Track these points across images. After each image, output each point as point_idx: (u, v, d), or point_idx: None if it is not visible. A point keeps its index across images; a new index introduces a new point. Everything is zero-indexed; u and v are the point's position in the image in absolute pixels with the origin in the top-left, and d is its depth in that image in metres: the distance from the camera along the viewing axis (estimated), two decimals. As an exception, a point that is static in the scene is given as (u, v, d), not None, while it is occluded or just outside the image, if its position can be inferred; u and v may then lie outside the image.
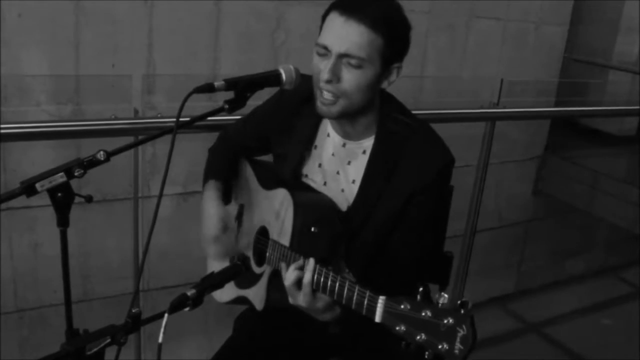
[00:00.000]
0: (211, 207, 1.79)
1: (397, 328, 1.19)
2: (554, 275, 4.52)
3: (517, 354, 3.54)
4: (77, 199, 1.29)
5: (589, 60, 4.62)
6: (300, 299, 1.43)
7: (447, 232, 1.86)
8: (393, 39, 1.48)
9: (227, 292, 1.74)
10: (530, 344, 3.73)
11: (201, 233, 1.82)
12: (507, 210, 4.14)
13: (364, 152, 1.63)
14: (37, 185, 1.22)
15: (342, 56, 1.46)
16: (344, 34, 1.45)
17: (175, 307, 1.25)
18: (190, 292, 1.28)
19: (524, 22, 3.79)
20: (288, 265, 1.47)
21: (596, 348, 3.66)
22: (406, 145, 1.58)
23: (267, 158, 1.92)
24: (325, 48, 1.47)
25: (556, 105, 4.05)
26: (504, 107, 2.89)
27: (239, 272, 1.41)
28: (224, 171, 1.88)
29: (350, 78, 1.47)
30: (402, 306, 1.19)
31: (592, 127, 5.00)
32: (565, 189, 4.25)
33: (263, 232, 1.69)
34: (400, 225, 1.60)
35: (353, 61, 1.45)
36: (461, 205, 2.95)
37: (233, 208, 1.87)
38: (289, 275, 1.43)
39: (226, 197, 1.89)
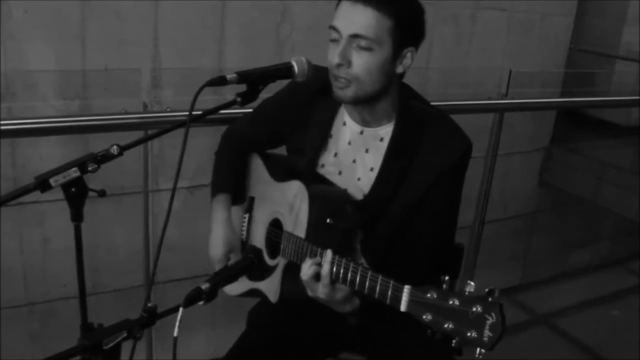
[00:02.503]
0: (218, 227, 1.83)
1: (424, 317, 1.19)
2: (561, 266, 4.52)
3: (525, 346, 3.54)
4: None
5: (595, 50, 4.60)
6: (319, 291, 1.43)
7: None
8: (403, 20, 1.48)
9: (238, 285, 1.74)
10: (539, 336, 3.73)
11: (209, 250, 1.87)
12: (513, 201, 4.13)
13: (382, 139, 1.63)
14: (51, 181, 1.22)
15: (352, 38, 1.46)
16: (352, 16, 1.46)
17: (190, 300, 1.25)
18: (204, 286, 1.27)
19: (529, 12, 3.77)
20: (305, 258, 1.47)
21: (605, 339, 3.66)
22: (425, 133, 1.58)
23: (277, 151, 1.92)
24: (336, 30, 1.49)
25: (562, 96, 4.03)
26: (512, 98, 2.88)
27: (253, 265, 1.41)
28: (231, 180, 1.89)
29: (361, 61, 1.48)
30: (429, 295, 1.19)
31: (599, 117, 4.98)
32: (571, 180, 4.23)
33: (276, 224, 1.69)
34: (419, 214, 1.60)
35: (363, 42, 1.46)
36: (469, 196, 2.95)
37: (243, 216, 1.88)
38: (307, 270, 1.43)
39: (238, 199, 1.89)
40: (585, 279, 4.48)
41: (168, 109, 2.14)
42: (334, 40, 1.50)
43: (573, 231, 4.56)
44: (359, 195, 1.64)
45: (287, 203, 1.63)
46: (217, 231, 1.84)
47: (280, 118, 1.78)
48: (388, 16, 1.45)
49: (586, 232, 4.69)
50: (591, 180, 4.14)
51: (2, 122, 1.85)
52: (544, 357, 3.47)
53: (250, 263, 1.42)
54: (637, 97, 3.77)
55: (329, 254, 1.41)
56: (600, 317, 3.97)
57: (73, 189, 1.25)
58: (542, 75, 3.98)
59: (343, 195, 1.62)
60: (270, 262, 1.68)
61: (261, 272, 1.69)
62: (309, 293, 1.47)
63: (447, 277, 1.19)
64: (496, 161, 3.06)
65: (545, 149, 4.21)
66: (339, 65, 1.49)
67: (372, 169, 1.64)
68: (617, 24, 4.75)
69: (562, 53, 4.06)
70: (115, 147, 1.28)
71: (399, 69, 1.55)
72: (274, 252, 1.69)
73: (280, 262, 1.62)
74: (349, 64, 1.48)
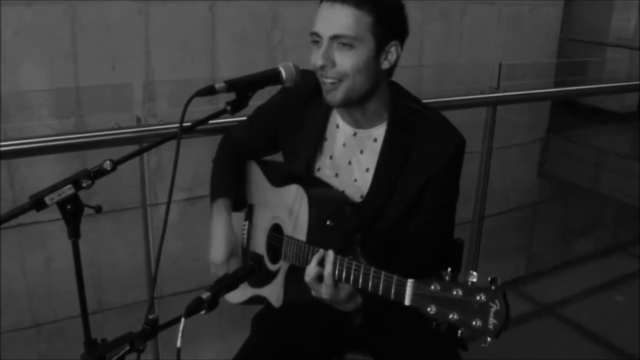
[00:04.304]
0: (219, 231, 1.78)
1: (428, 309, 1.19)
2: (565, 255, 4.52)
3: (532, 336, 3.55)
4: (86, 211, 1.30)
5: (585, 39, 4.61)
6: (322, 292, 1.44)
7: (455, 220, 1.86)
8: (382, 15, 1.48)
9: (240, 293, 1.75)
10: (545, 326, 3.73)
11: (209, 255, 1.82)
12: (513, 194, 4.13)
13: (376, 140, 1.64)
14: (46, 199, 1.22)
15: (332, 39, 1.47)
16: (331, 17, 1.47)
17: (191, 311, 1.25)
18: (205, 295, 1.28)
19: (518, 4, 3.78)
20: (308, 259, 1.47)
21: (611, 325, 3.65)
22: (418, 131, 1.59)
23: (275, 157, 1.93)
24: (317, 34, 1.50)
25: (555, 86, 4.03)
26: (504, 91, 2.88)
27: (253, 272, 1.41)
28: (231, 184, 1.87)
29: (344, 60, 1.49)
30: (432, 287, 1.20)
31: (593, 105, 4.99)
32: (570, 169, 4.24)
33: (276, 229, 1.70)
34: (417, 211, 1.60)
35: (344, 41, 1.47)
36: (468, 191, 2.95)
37: (243, 224, 1.87)
38: (310, 272, 1.44)
39: (238, 206, 1.89)
40: (589, 266, 4.47)
41: (162, 122, 2.15)
42: (315, 42, 1.51)
43: (575, 220, 4.57)
44: (356, 197, 1.65)
45: (286, 207, 1.64)
46: (219, 234, 1.79)
47: (274, 124, 1.79)
48: (367, 12, 1.46)
49: (587, 220, 4.69)
50: (589, 168, 4.14)
51: (-2, 144, 1.86)
52: (551, 346, 3.47)
53: (250, 270, 1.42)
54: (629, 83, 3.77)
55: (330, 254, 1.41)
56: (605, 303, 3.97)
57: (69, 207, 1.25)
58: (535, 67, 3.99)
59: (341, 197, 1.63)
60: (271, 267, 1.69)
61: (263, 278, 1.70)
62: (313, 293, 1.47)
63: (449, 269, 1.20)
64: (495, 154, 3.06)
65: (542, 139, 4.21)
66: (323, 67, 1.50)
67: (367, 170, 1.64)
68: (606, 11, 4.76)
69: (553, 43, 4.07)
70: (108, 162, 1.28)
71: (385, 65, 1.55)
72: (275, 257, 1.69)
73: (282, 266, 1.63)
74: (333, 64, 1.50)
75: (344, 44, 1.47)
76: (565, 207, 4.52)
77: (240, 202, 1.90)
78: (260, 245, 1.77)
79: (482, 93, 2.87)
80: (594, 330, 3.63)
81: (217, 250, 1.78)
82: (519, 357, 3.20)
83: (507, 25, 3.75)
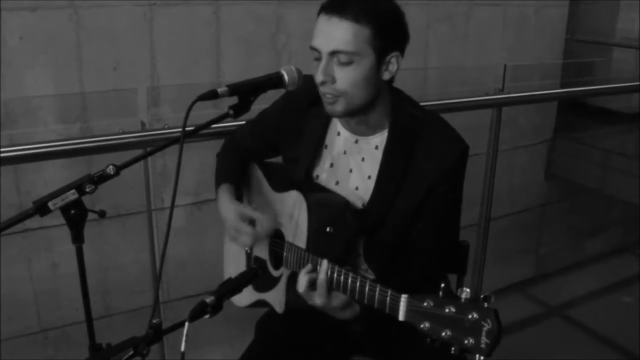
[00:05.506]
0: (226, 207, 1.75)
1: (422, 325, 1.20)
2: (573, 257, 4.50)
3: (540, 339, 3.53)
4: (90, 216, 1.30)
5: (591, 39, 4.59)
6: (315, 299, 1.44)
7: (462, 222, 1.85)
8: (381, 28, 1.46)
9: (245, 296, 1.75)
10: (554, 328, 3.71)
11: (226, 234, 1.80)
12: (521, 195, 4.12)
13: (377, 147, 1.62)
14: (50, 204, 1.23)
15: (332, 55, 1.46)
16: (329, 32, 1.45)
17: (195, 315, 1.25)
18: (209, 299, 1.27)
19: (523, 5, 3.77)
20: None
21: (619, 326, 3.63)
22: (420, 138, 1.58)
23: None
24: (316, 50, 1.49)
25: (562, 87, 4.01)
26: (509, 93, 2.87)
27: (256, 276, 1.41)
28: (234, 174, 1.87)
29: (344, 76, 1.47)
30: (425, 303, 1.19)
31: (601, 106, 4.97)
32: (578, 170, 4.23)
33: (278, 235, 1.69)
34: (420, 218, 1.59)
35: (343, 57, 1.45)
36: (474, 194, 2.94)
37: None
38: (301, 281, 1.44)
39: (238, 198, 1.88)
40: (597, 267, 4.44)
41: (166, 126, 2.15)
42: (316, 58, 1.50)
43: (582, 221, 4.55)
44: (358, 204, 1.63)
45: (287, 213, 1.64)
46: (225, 209, 1.74)
47: (275, 128, 1.79)
48: (365, 26, 1.44)
49: (595, 221, 4.67)
50: (597, 169, 4.13)
51: (3, 149, 1.87)
52: (559, 348, 3.46)
53: (254, 274, 1.42)
54: (636, 83, 3.74)
55: (324, 263, 1.42)
56: (613, 304, 3.94)
57: (72, 211, 1.26)
58: (540, 68, 3.98)
59: (342, 203, 1.61)
60: (274, 272, 1.69)
61: (267, 282, 1.70)
62: (307, 301, 1.47)
63: (443, 285, 1.20)
64: (502, 156, 3.05)
65: (549, 140, 4.20)
66: (323, 83, 1.49)
67: (369, 177, 1.63)
68: (612, 11, 4.75)
69: (558, 44, 4.06)
70: (111, 167, 1.29)
71: (386, 76, 1.53)
72: (277, 262, 1.69)
73: (284, 272, 1.62)
74: (333, 80, 1.48)
75: (342, 61, 1.46)
76: (573, 209, 4.50)
77: (239, 195, 1.88)
78: (263, 251, 1.77)
79: (486, 95, 2.86)
80: (602, 332, 3.61)
81: (228, 222, 1.72)
82: (527, 359, 3.18)
83: (512, 26, 3.74)
